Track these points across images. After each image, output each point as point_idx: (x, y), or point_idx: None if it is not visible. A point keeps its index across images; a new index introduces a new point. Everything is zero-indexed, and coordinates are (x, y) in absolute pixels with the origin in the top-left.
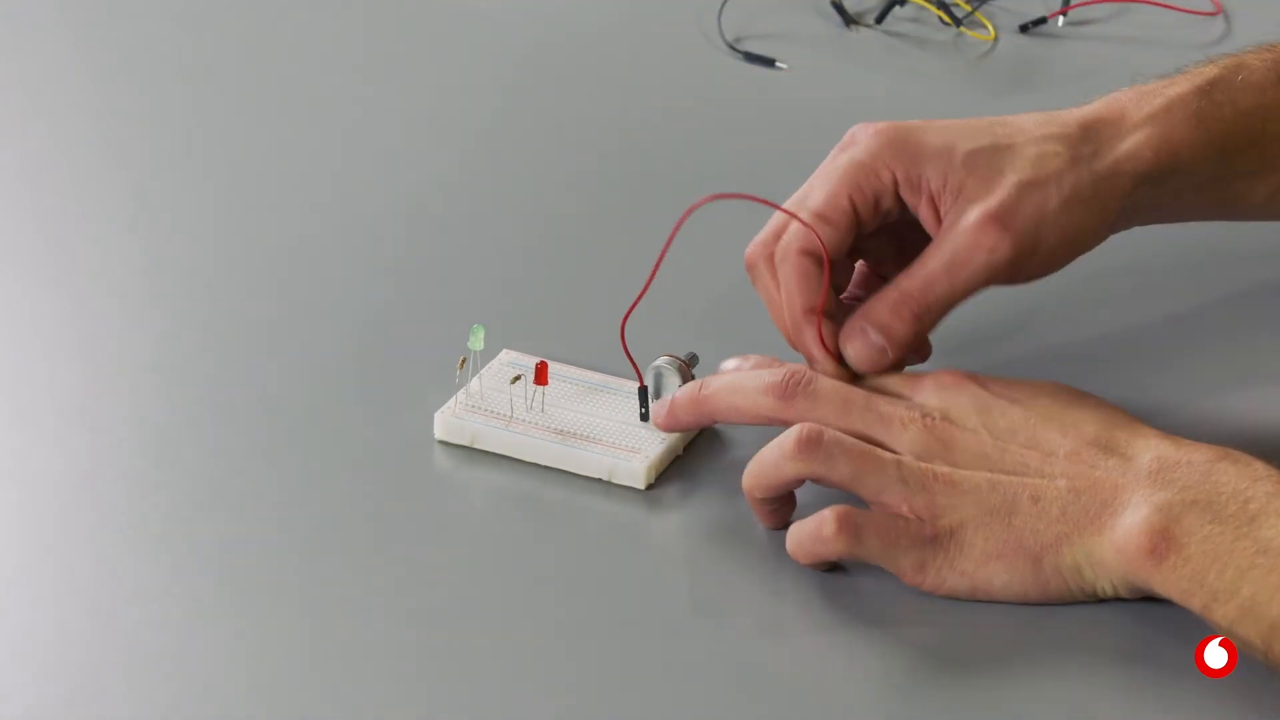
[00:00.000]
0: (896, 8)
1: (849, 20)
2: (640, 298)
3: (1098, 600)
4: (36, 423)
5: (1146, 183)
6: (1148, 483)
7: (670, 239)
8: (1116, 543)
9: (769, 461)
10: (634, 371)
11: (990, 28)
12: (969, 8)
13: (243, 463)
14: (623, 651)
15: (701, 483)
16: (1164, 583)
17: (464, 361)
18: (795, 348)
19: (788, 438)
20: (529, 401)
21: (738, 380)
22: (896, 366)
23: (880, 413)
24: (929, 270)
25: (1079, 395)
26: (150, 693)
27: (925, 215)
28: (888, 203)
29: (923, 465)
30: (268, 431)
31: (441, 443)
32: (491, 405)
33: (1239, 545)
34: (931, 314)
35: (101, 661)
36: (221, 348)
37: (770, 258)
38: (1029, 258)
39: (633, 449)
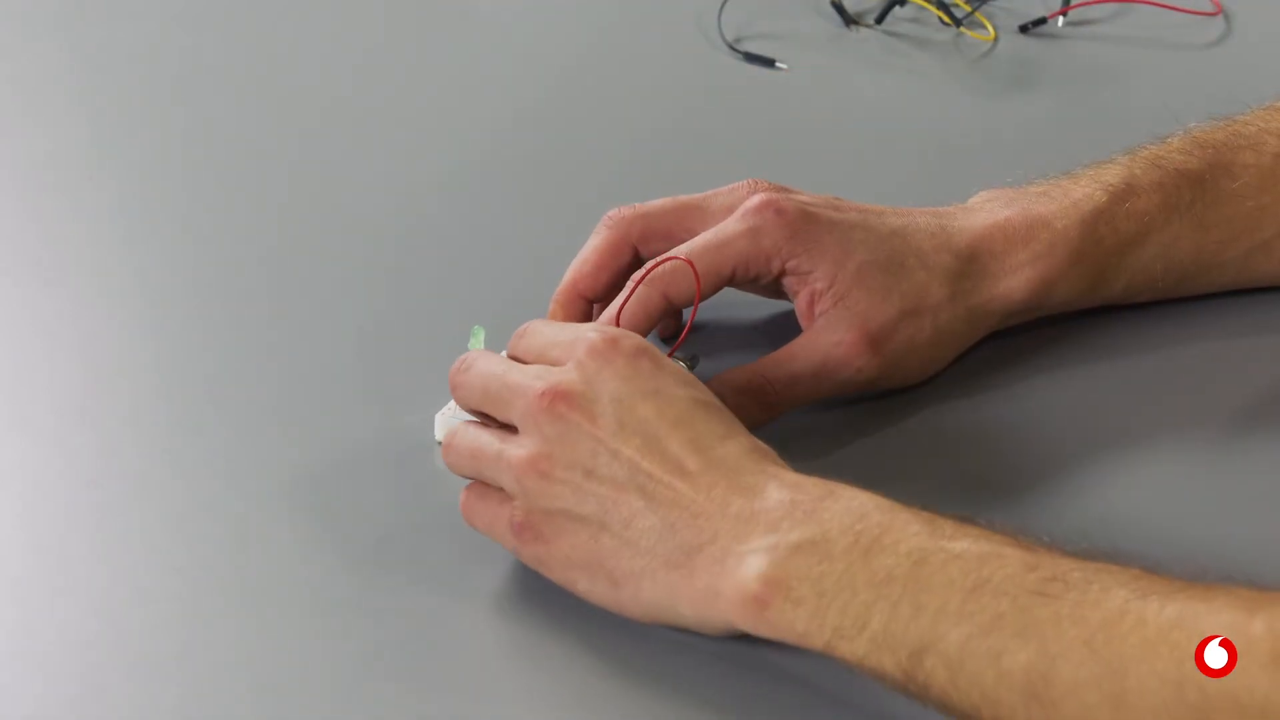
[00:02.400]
0: (896, 8)
1: (849, 20)
2: (629, 298)
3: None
4: (37, 423)
5: (1015, 315)
6: (747, 527)
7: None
8: (716, 590)
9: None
10: None
11: (990, 28)
12: (969, 8)
13: (243, 463)
14: (623, 652)
15: None
16: (774, 627)
17: None
18: (562, 304)
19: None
20: None
21: None
22: None
23: (512, 389)
24: (795, 370)
25: (718, 405)
26: (153, 693)
27: (801, 305)
28: (765, 281)
29: (521, 455)
30: (267, 432)
31: (441, 443)
32: None
33: (858, 579)
34: (782, 408)
35: (104, 662)
36: (222, 348)
37: (630, 235)
38: (890, 377)
39: None
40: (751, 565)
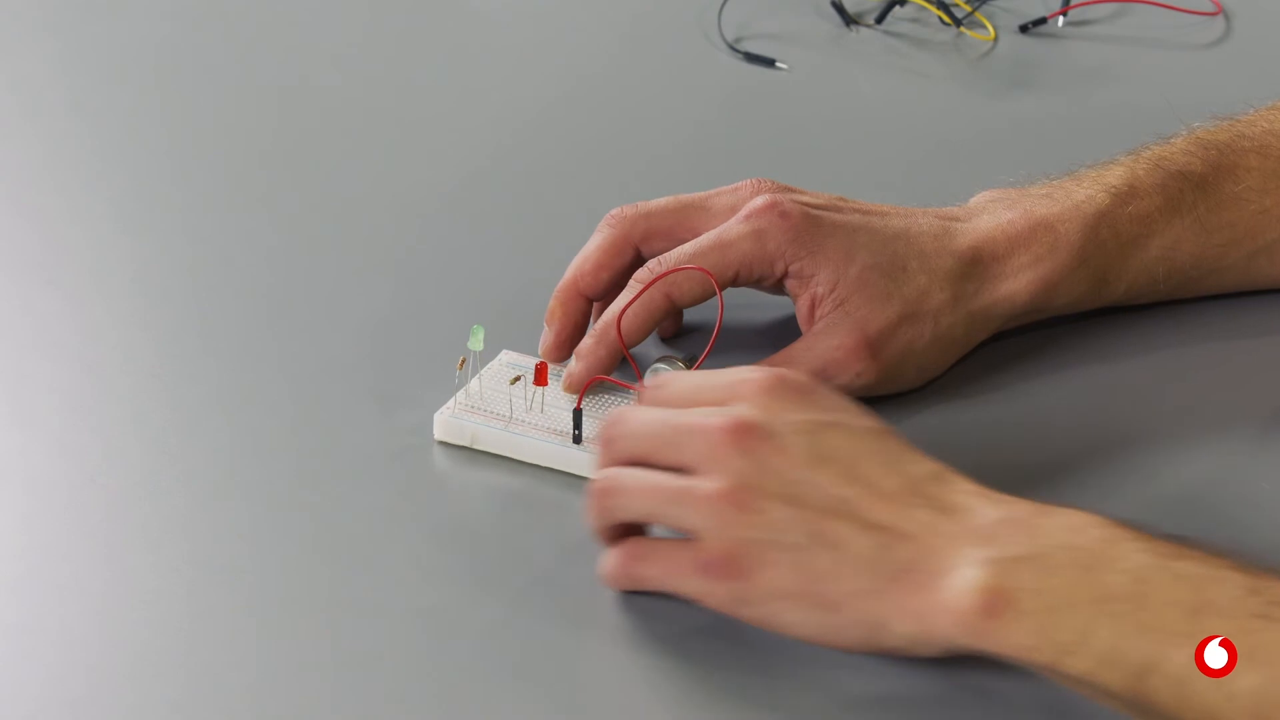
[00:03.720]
0: (896, 8)
1: (849, 20)
2: (635, 300)
3: (903, 656)
4: (37, 423)
5: (1017, 318)
6: (968, 542)
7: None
8: (944, 604)
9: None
10: (634, 372)
11: (990, 28)
12: (969, 8)
13: (244, 463)
14: (625, 652)
15: None
16: (1000, 641)
17: (464, 362)
18: (562, 302)
19: (589, 490)
20: (529, 402)
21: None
22: None
23: (689, 429)
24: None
25: (894, 432)
26: (153, 693)
27: (802, 308)
28: (768, 284)
29: (714, 489)
30: (268, 432)
31: (441, 443)
32: (491, 406)
33: (1081, 596)
34: None
35: (105, 663)
36: (222, 348)
37: (632, 234)
38: (890, 382)
39: None
40: (974, 578)
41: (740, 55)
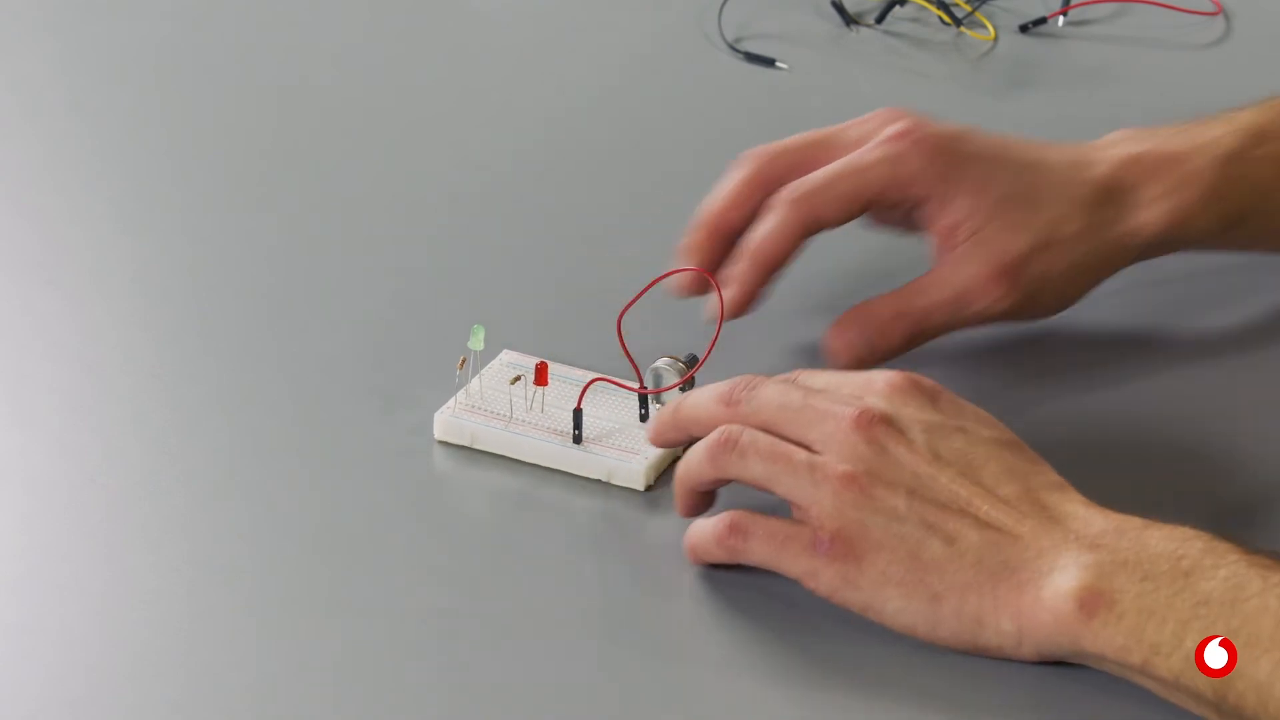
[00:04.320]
0: (896, 7)
1: (849, 20)
2: (636, 300)
3: (991, 656)
4: (37, 423)
5: (1151, 251)
6: (1074, 545)
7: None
8: (1044, 602)
9: (691, 461)
10: (634, 372)
11: (990, 27)
12: (969, 8)
13: (244, 463)
14: (626, 653)
15: None
16: (1095, 640)
17: (464, 361)
18: (705, 238)
19: (708, 439)
20: (529, 402)
21: (699, 392)
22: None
23: (818, 410)
24: (935, 299)
25: (1020, 443)
26: (153, 693)
27: (938, 236)
28: (902, 210)
29: (840, 469)
30: (268, 432)
31: (441, 443)
32: (491, 406)
33: (1177, 599)
34: (924, 337)
35: (104, 663)
36: (222, 348)
37: (768, 171)
38: (1026, 309)
39: (632, 450)
40: (1076, 577)
41: (740, 55)
